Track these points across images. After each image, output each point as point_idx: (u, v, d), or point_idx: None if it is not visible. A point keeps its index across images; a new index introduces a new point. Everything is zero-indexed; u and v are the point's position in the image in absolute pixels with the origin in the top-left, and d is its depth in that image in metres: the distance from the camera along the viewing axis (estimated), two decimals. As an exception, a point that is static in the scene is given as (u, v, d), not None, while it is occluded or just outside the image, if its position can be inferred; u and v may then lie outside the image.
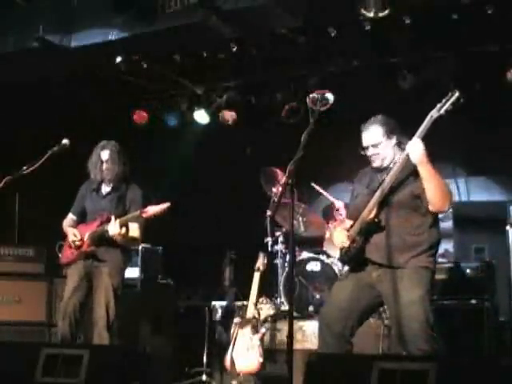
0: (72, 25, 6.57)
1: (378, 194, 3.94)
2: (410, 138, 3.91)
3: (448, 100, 3.85)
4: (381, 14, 5.75)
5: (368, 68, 7.19)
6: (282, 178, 5.86)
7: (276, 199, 5.96)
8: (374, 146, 4.06)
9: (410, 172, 3.93)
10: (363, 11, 5.77)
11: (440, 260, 6.79)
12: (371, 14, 5.76)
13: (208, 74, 7.61)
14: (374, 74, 7.18)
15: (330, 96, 3.88)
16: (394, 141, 4.07)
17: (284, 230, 6.55)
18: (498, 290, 6.07)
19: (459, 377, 2.82)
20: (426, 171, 3.83)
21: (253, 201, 7.07)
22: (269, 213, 6.12)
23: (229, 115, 8.17)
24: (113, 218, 5.03)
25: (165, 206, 4.97)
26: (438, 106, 3.86)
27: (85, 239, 5.14)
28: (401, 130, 4.15)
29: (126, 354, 3.58)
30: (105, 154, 5.25)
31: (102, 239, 5.10)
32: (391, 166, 4.02)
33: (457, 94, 3.85)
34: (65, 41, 6.56)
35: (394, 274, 3.90)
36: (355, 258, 4.03)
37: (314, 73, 7.35)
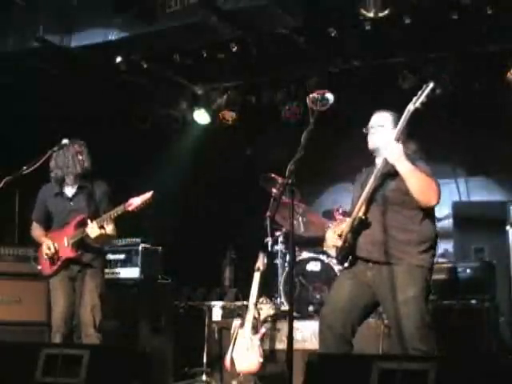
0: (72, 25, 6.57)
1: (365, 192, 3.96)
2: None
3: (423, 92, 3.84)
4: (381, 14, 5.76)
5: (368, 68, 7.20)
6: (282, 180, 5.86)
7: (276, 199, 5.96)
8: (380, 126, 4.09)
9: (395, 169, 3.92)
10: (363, 11, 5.77)
11: (440, 260, 6.82)
12: (371, 14, 5.77)
13: (208, 74, 7.61)
14: (374, 74, 7.19)
15: (329, 96, 3.88)
16: (390, 133, 4.03)
17: (284, 229, 6.55)
18: (498, 289, 6.07)
19: (459, 377, 2.82)
20: (404, 169, 3.83)
21: (253, 201, 7.07)
22: (269, 213, 6.12)
23: (229, 115, 8.17)
24: (89, 221, 4.98)
25: (148, 195, 4.93)
26: (414, 99, 3.86)
27: (65, 245, 5.08)
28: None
29: (125, 354, 3.58)
30: (77, 147, 5.15)
31: (82, 243, 5.07)
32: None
33: (431, 86, 3.84)
34: (65, 41, 6.56)
35: (387, 272, 3.89)
36: (348, 256, 4.04)
37: (313, 73, 7.35)
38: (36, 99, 7.05)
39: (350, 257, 4.03)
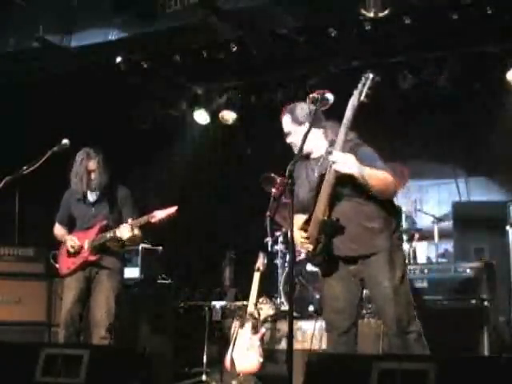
0: (72, 25, 6.57)
1: (323, 195, 3.83)
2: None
3: (364, 85, 3.76)
4: (381, 14, 5.76)
5: (368, 68, 7.17)
6: (282, 180, 5.85)
7: (276, 199, 5.96)
8: (287, 134, 4.03)
9: None
10: (363, 11, 5.77)
11: (440, 260, 6.82)
12: (371, 14, 5.77)
13: (208, 74, 7.61)
14: (373, 74, 7.17)
15: (329, 96, 3.88)
16: (305, 128, 3.89)
17: (284, 229, 6.55)
18: (498, 290, 6.07)
19: (459, 377, 2.82)
20: (362, 177, 3.69)
21: (252, 201, 7.07)
22: (269, 213, 6.12)
23: (229, 115, 8.17)
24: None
25: (172, 209, 4.95)
26: (356, 93, 3.75)
27: (85, 248, 5.10)
28: (325, 115, 4.02)
29: (126, 354, 3.58)
30: (92, 164, 5.13)
31: (102, 247, 5.09)
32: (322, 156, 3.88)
33: (371, 76, 3.76)
34: (65, 41, 6.57)
35: (367, 262, 3.87)
36: (324, 259, 3.95)
37: (313, 73, 7.35)
38: (36, 99, 7.05)
39: (326, 257, 3.94)
